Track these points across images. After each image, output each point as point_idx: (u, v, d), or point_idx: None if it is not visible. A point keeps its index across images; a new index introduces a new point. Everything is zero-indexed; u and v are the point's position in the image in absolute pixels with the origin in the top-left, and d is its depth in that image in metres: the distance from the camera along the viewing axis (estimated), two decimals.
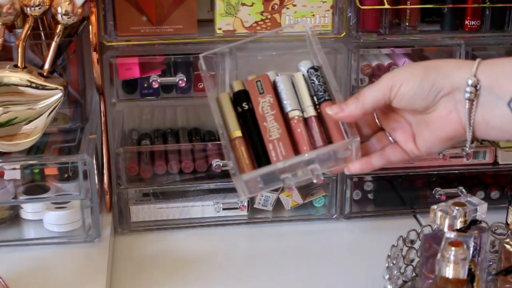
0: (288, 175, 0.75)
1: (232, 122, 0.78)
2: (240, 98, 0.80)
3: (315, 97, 0.79)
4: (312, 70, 0.79)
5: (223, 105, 0.80)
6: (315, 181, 0.76)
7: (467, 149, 0.76)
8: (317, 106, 0.79)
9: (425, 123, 0.77)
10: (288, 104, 0.78)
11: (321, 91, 0.78)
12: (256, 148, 0.77)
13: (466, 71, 0.73)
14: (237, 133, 0.77)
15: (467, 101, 0.73)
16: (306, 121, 0.78)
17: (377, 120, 0.82)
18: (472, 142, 0.75)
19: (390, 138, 0.82)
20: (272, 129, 0.76)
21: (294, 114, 0.78)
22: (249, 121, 0.78)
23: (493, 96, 0.72)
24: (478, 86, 0.72)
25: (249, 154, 0.76)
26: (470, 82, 0.72)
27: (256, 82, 0.79)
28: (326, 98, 0.78)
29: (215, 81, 1.10)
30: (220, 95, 0.81)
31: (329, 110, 0.77)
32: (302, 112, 0.79)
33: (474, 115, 0.73)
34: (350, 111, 0.76)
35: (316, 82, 0.78)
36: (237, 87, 0.81)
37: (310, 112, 0.78)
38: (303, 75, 0.80)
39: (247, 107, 0.78)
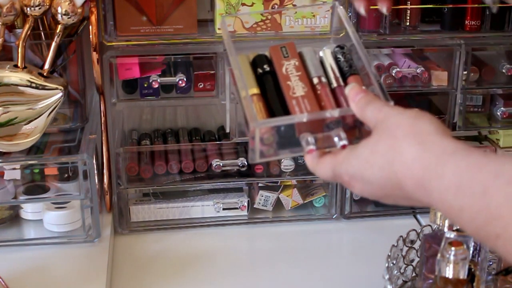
0: (309, 137, 0.70)
1: (250, 81, 0.74)
2: (261, 61, 0.76)
3: (341, 72, 0.75)
4: (338, 49, 0.77)
5: (242, 66, 0.76)
6: (339, 147, 0.69)
7: None
8: (344, 80, 0.75)
9: None
10: (314, 71, 0.75)
11: (347, 67, 0.75)
12: (275, 105, 0.72)
13: None
14: (255, 90, 0.73)
15: None
16: (333, 91, 0.74)
17: None
18: None
19: None
20: (296, 87, 0.72)
21: (317, 80, 0.74)
22: (269, 82, 0.74)
23: None
24: None
25: (266, 111, 0.72)
26: None
27: (281, 47, 0.76)
28: (352, 72, 0.74)
29: (215, 80, 1.10)
30: (239, 56, 0.77)
31: (348, 89, 0.71)
32: (330, 84, 0.74)
33: None
34: (360, 107, 0.69)
35: (342, 59, 0.75)
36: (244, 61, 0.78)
37: (337, 83, 0.74)
38: (330, 53, 0.77)
39: (268, 69, 0.75)
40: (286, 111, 0.72)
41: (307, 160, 0.70)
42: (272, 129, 0.70)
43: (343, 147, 0.69)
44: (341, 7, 0.80)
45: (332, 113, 0.70)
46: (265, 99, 0.73)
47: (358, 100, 0.69)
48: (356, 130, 0.71)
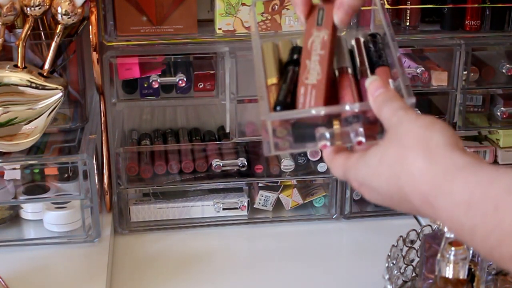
0: (325, 131, 0.65)
1: (271, 69, 0.70)
2: (295, 51, 0.72)
3: (370, 62, 0.71)
4: (369, 38, 0.73)
5: (265, 53, 0.72)
6: (354, 143, 0.65)
7: None
8: (372, 71, 0.70)
9: None
10: (341, 60, 0.70)
11: (376, 58, 0.70)
12: (290, 95, 0.67)
13: None
14: (274, 80, 0.69)
15: None
16: (358, 83, 0.69)
17: None
18: None
19: None
20: (312, 71, 0.67)
21: (344, 69, 0.70)
22: (290, 71, 0.69)
23: None
24: None
25: None
26: None
27: (319, 10, 0.70)
28: (381, 63, 0.70)
29: (215, 80, 1.10)
30: (264, 44, 0.73)
31: (368, 82, 0.66)
32: (356, 75, 0.70)
33: None
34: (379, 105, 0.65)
35: (373, 49, 0.71)
36: (286, 46, 0.74)
37: (364, 73, 0.70)
38: (363, 41, 0.74)
39: (295, 58, 0.70)
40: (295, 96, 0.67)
41: (324, 154, 0.68)
42: (286, 122, 0.65)
43: (359, 143, 0.65)
44: None
45: (352, 107, 0.65)
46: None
47: (376, 96, 0.64)
48: (379, 125, 0.66)
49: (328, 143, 0.65)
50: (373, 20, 0.76)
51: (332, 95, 0.67)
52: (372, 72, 0.69)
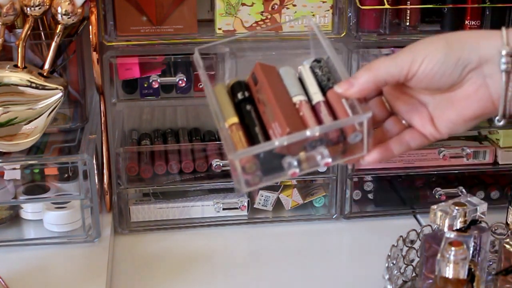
0: (291, 160, 0.68)
1: (228, 110, 0.73)
2: (237, 88, 0.75)
3: (320, 86, 0.74)
4: (315, 63, 0.75)
5: (218, 96, 0.75)
6: (322, 166, 0.69)
7: (499, 123, 0.69)
8: (323, 94, 0.73)
9: (448, 102, 0.70)
10: (292, 91, 0.73)
11: (324, 80, 0.73)
12: (253, 131, 0.71)
13: (495, 41, 0.67)
14: (234, 119, 0.72)
15: (503, 73, 0.66)
16: (313, 108, 0.72)
17: (386, 104, 0.75)
18: (504, 117, 0.68)
19: (404, 122, 0.74)
20: (268, 113, 0.71)
21: (297, 98, 0.72)
22: (245, 109, 0.73)
23: None
24: None
25: (247, 140, 0.70)
26: (504, 52, 0.66)
27: (251, 75, 0.75)
28: (330, 85, 0.73)
29: (215, 81, 1.10)
30: (216, 87, 0.76)
31: (338, 88, 0.70)
32: (310, 101, 0.73)
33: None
34: (361, 83, 0.69)
35: (320, 73, 0.74)
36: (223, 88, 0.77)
37: (317, 98, 0.72)
38: (308, 68, 0.76)
39: (243, 96, 0.74)
40: (266, 136, 0.70)
41: None
42: (253, 158, 0.68)
43: (326, 164, 0.68)
44: (314, 19, 0.79)
45: (312, 132, 0.68)
46: (244, 125, 0.71)
47: (358, 81, 0.69)
48: (341, 145, 0.69)
49: (297, 170, 0.68)
50: (313, 47, 0.79)
51: (295, 124, 0.70)
52: (324, 95, 0.72)
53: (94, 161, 1.06)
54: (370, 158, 0.71)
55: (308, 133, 0.68)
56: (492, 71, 0.68)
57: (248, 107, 0.73)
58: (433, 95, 0.72)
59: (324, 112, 0.71)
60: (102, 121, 1.09)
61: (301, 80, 0.75)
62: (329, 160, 0.68)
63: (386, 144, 0.73)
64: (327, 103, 0.72)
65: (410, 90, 0.73)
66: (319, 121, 0.70)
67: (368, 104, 0.74)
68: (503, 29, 0.67)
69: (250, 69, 0.77)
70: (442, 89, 0.70)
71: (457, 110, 0.70)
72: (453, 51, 0.67)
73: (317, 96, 0.72)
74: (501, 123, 0.69)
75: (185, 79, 1.08)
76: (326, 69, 0.74)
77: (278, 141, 0.67)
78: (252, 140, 0.70)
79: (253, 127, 0.71)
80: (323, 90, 0.73)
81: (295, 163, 0.68)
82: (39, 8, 0.98)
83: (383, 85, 0.71)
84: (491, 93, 0.68)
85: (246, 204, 1.16)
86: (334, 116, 0.71)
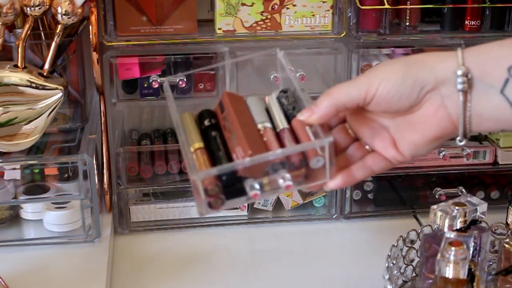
0: (253, 182, 0.69)
1: (194, 136, 0.75)
2: (205, 115, 0.78)
3: (286, 115, 0.76)
4: (281, 93, 0.78)
5: (185, 123, 0.78)
6: (283, 189, 0.70)
7: (460, 143, 0.70)
8: (289, 123, 0.75)
9: (409, 124, 0.72)
10: (257, 118, 0.76)
11: (290, 109, 0.75)
12: (216, 155, 0.73)
13: (451, 62, 0.68)
14: (199, 144, 0.74)
15: (460, 93, 0.67)
16: (278, 135, 0.74)
17: (350, 130, 0.77)
18: (465, 136, 0.69)
19: (367, 147, 0.75)
20: (233, 138, 0.73)
21: (262, 125, 0.74)
22: (210, 135, 0.75)
23: (484, 85, 0.67)
24: (469, 75, 0.67)
25: (211, 163, 0.72)
26: (460, 72, 0.67)
27: (219, 103, 0.78)
28: (295, 114, 0.74)
29: (215, 81, 1.10)
30: (183, 115, 0.79)
31: (301, 116, 0.72)
32: (275, 128, 0.75)
33: (470, 108, 0.68)
34: (321, 109, 0.70)
35: (286, 103, 0.76)
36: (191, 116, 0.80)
37: (281, 125, 0.75)
38: (275, 98, 0.79)
39: (209, 123, 0.76)
40: (230, 160, 0.71)
41: None
42: (216, 180, 0.69)
43: (288, 187, 0.69)
44: (282, 52, 0.80)
45: (274, 154, 0.69)
46: (209, 151, 0.73)
47: (319, 108, 0.71)
48: (303, 169, 0.71)
49: (259, 192, 0.69)
50: (281, 79, 0.81)
51: (258, 147, 0.71)
52: (289, 123, 0.74)
53: (94, 161, 1.06)
54: (333, 184, 0.73)
55: (270, 155, 0.69)
56: (449, 92, 0.69)
57: (214, 133, 0.75)
58: (394, 118, 0.73)
59: (288, 138, 0.73)
60: (102, 121, 1.09)
61: (268, 110, 0.77)
62: (291, 183, 0.69)
63: (349, 170, 0.74)
64: (292, 130, 0.74)
65: (371, 114, 0.74)
66: (282, 146, 0.72)
67: (332, 132, 0.76)
68: (459, 50, 0.68)
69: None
70: (402, 111, 0.71)
71: (418, 132, 0.71)
72: (410, 72, 0.69)
73: (281, 123, 0.74)
74: (463, 142, 0.70)
75: (185, 79, 1.08)
76: (292, 98, 0.77)
77: (240, 163, 0.69)
78: (216, 164, 0.71)
79: (217, 152, 0.73)
80: (288, 118, 0.75)
81: (257, 185, 0.69)
82: (39, 8, 0.98)
83: (343, 110, 0.73)
84: (450, 114, 0.70)
85: (246, 204, 1.16)
86: (298, 142, 0.73)
